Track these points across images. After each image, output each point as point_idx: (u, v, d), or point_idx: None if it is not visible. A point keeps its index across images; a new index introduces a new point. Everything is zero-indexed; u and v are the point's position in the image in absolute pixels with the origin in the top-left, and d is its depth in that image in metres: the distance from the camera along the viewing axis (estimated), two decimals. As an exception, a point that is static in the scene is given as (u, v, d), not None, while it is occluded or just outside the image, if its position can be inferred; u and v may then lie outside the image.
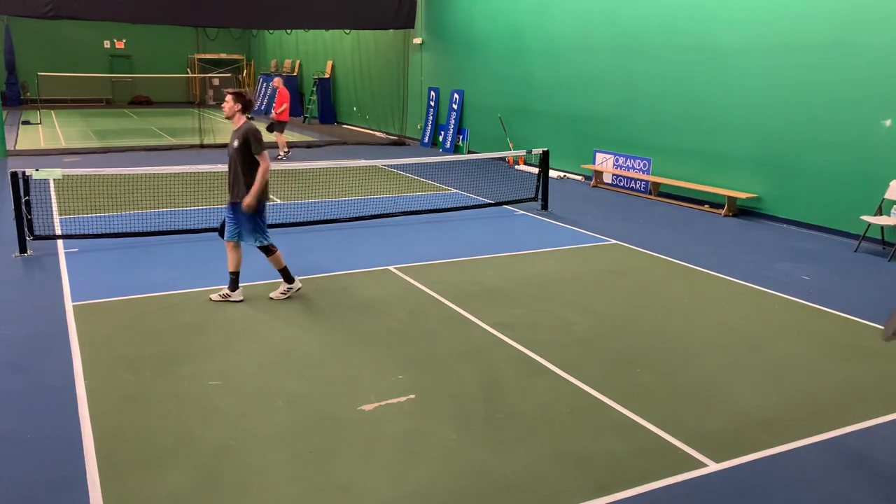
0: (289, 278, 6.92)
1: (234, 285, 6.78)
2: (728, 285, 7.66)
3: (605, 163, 13.85)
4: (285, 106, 16.52)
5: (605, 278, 7.84)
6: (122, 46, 35.42)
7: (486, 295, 7.12)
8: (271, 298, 6.85)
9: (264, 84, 30.52)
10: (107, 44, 35.12)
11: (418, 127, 20.83)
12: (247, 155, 6.48)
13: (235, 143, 6.48)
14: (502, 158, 16.71)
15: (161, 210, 10.57)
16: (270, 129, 16.48)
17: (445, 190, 12.87)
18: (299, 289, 6.98)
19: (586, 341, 6.01)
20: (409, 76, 21.16)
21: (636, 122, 13.16)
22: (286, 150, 16.73)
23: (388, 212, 10.59)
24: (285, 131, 16.80)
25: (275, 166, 13.00)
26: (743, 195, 11.02)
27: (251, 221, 6.62)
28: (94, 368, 5.33)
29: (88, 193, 11.49)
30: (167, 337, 5.95)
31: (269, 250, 6.77)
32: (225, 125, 24.48)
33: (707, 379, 5.34)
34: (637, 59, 12.97)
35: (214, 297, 6.81)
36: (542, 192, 11.45)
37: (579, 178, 14.65)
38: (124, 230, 9.19)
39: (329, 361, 5.54)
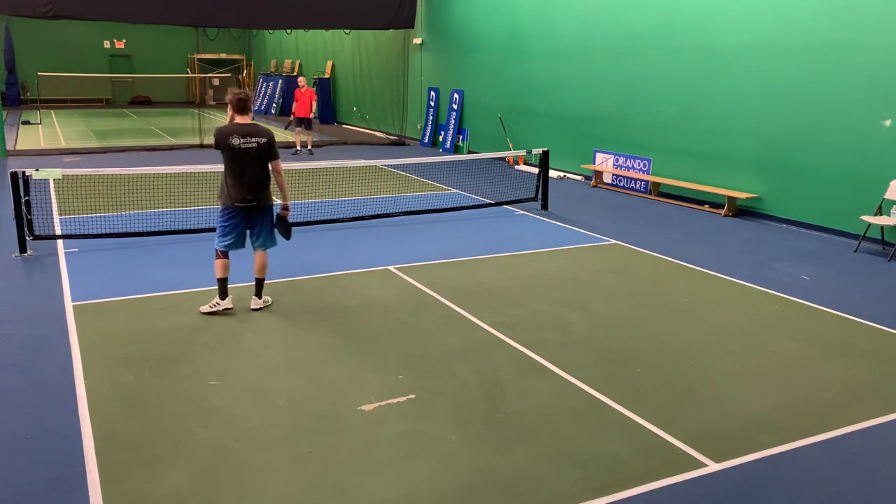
0: (223, 293, 6.52)
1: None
2: (728, 285, 7.66)
3: (605, 163, 13.85)
4: (314, 105, 18.04)
5: (605, 278, 7.84)
6: (122, 46, 35.42)
7: (486, 295, 7.12)
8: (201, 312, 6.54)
9: (264, 84, 30.53)
10: (107, 44, 35.12)
11: (418, 127, 20.83)
12: None
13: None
14: (502, 158, 16.71)
15: (161, 210, 10.57)
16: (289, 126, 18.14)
17: (445, 190, 12.87)
18: (228, 309, 6.52)
19: (586, 341, 6.01)
20: (409, 76, 21.16)
21: (636, 122, 13.16)
22: (299, 148, 17.86)
23: (388, 212, 10.60)
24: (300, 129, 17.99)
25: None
26: (743, 195, 11.02)
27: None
28: (94, 368, 5.33)
29: (88, 193, 11.49)
30: (167, 337, 5.95)
31: (215, 254, 6.52)
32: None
33: (707, 379, 5.34)
34: (637, 59, 12.97)
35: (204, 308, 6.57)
36: (542, 192, 11.45)
37: (579, 178, 14.65)
38: (124, 230, 9.19)
39: (329, 361, 5.54)
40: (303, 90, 17.44)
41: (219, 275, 6.47)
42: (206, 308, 6.50)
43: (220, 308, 6.48)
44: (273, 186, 6.63)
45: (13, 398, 4.90)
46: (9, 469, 4.05)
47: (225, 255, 6.49)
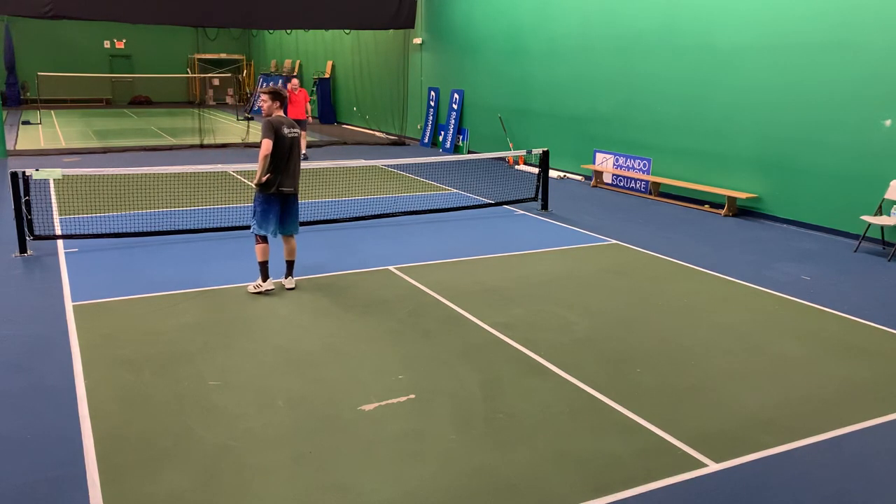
0: (265, 275, 7.07)
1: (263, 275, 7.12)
2: (728, 285, 7.66)
3: (605, 163, 13.85)
4: (308, 107, 17.39)
5: (605, 278, 7.84)
6: (122, 46, 35.43)
7: (486, 295, 7.12)
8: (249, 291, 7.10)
9: (264, 84, 30.53)
10: (107, 44, 35.13)
11: (418, 127, 20.84)
12: None
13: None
14: (502, 158, 16.71)
15: (161, 210, 10.57)
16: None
17: (445, 190, 12.87)
18: (269, 290, 7.04)
19: (586, 341, 6.02)
20: (409, 76, 21.16)
21: (636, 122, 13.16)
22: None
23: (388, 212, 10.60)
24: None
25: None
26: (743, 195, 11.02)
27: (253, 205, 7.05)
28: (94, 368, 5.33)
29: (88, 193, 11.49)
30: (167, 337, 5.95)
31: (256, 240, 7.04)
32: (224, 125, 24.49)
33: (707, 379, 5.34)
34: (637, 58, 12.97)
35: (249, 288, 7.11)
36: (542, 192, 11.45)
37: (579, 178, 14.65)
38: (124, 230, 9.19)
39: (329, 361, 5.55)
40: (296, 91, 16.95)
41: (261, 259, 7.03)
42: (251, 287, 7.07)
43: (264, 289, 7.02)
44: None
45: (13, 398, 4.90)
46: (9, 469, 4.05)
47: (265, 239, 7.02)
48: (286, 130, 6.86)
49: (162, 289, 7.17)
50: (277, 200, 6.95)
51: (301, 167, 7.21)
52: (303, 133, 17.08)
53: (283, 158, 6.86)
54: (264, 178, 6.81)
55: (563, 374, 5.35)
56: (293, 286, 7.21)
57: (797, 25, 10.23)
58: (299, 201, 7.24)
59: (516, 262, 8.38)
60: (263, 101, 6.93)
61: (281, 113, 6.95)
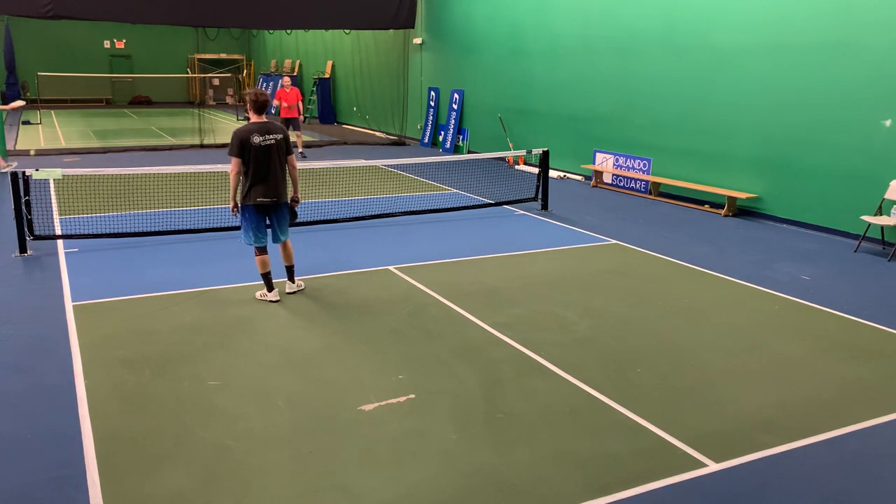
0: (269, 286, 6.87)
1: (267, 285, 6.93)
2: (728, 285, 7.66)
3: (605, 163, 13.85)
4: (301, 105, 17.13)
5: (605, 278, 7.84)
6: (122, 46, 35.44)
7: (486, 295, 7.12)
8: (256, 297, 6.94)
9: (264, 84, 30.54)
10: (107, 44, 35.14)
11: (418, 127, 20.84)
12: None
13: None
14: (502, 158, 16.71)
15: (161, 210, 10.57)
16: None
17: (445, 190, 12.87)
18: (274, 301, 6.79)
19: (586, 341, 6.01)
20: (409, 76, 21.16)
21: (636, 123, 13.16)
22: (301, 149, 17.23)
23: (388, 212, 10.60)
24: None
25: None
26: (743, 195, 11.02)
27: (240, 217, 6.84)
28: (94, 368, 5.33)
29: (88, 193, 11.49)
30: (167, 337, 5.95)
31: (254, 251, 6.83)
32: (224, 125, 24.48)
33: (707, 379, 5.34)
34: (637, 59, 12.97)
35: (256, 294, 6.98)
36: (542, 192, 11.45)
37: (579, 178, 14.65)
38: (124, 230, 9.19)
39: (329, 361, 5.55)
40: (287, 90, 16.66)
41: (261, 270, 6.83)
42: (258, 294, 6.94)
43: (268, 299, 6.83)
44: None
45: (13, 398, 4.90)
46: (9, 469, 4.05)
47: (262, 251, 6.78)
48: (258, 139, 6.47)
49: (162, 289, 7.17)
50: (262, 211, 6.66)
51: (298, 167, 7.01)
52: (297, 133, 16.91)
53: (260, 167, 6.52)
54: (232, 207, 6.64)
55: (563, 374, 5.35)
56: (293, 290, 7.06)
57: (797, 25, 10.22)
58: (300, 201, 7.09)
59: (516, 262, 8.38)
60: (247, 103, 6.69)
61: (261, 118, 6.63)
